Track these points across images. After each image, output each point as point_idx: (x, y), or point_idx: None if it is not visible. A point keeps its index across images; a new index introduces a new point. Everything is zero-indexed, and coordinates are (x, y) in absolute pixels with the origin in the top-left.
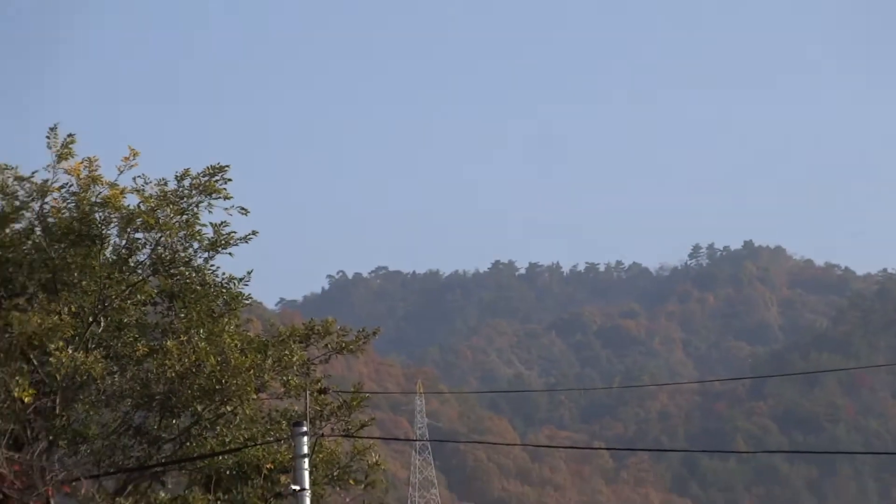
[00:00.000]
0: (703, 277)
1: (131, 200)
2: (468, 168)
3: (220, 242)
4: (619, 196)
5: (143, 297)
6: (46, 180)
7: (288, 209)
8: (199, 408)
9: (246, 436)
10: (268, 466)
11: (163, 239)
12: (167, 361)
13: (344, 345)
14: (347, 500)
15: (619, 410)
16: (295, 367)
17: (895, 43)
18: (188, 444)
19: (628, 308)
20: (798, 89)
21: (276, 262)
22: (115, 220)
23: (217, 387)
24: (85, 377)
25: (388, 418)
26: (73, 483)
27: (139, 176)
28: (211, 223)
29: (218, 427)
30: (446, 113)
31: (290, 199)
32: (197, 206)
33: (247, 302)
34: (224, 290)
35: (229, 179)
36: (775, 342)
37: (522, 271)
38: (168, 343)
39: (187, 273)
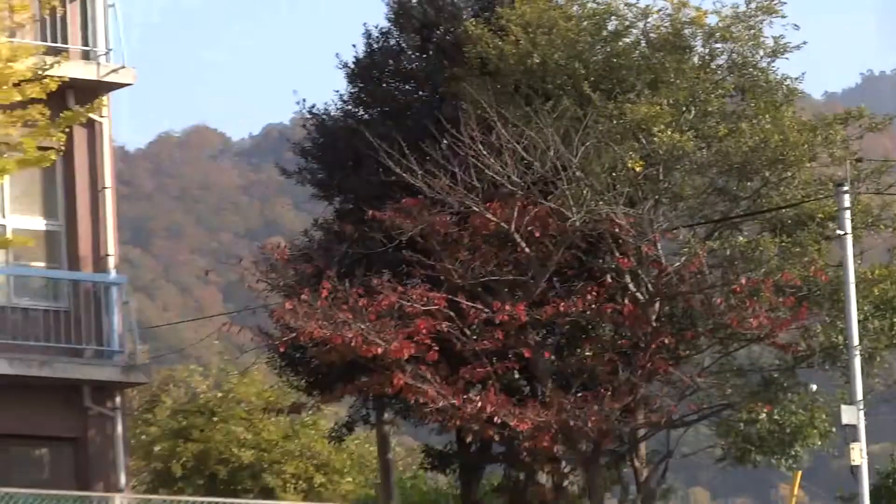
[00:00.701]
0: None
1: (711, 20)
2: None
3: (778, 50)
4: None
5: (722, 92)
6: (648, 5)
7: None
8: (767, 174)
9: (802, 194)
10: (819, 216)
11: (735, 48)
12: (741, 139)
13: (873, 125)
14: (878, 240)
15: None
16: (837, 143)
17: None
18: (759, 200)
19: None
20: None
21: (821, 61)
22: (699, 34)
23: (780, 157)
24: (680, 152)
25: None
26: (673, 231)
27: (716, 1)
28: (772, 36)
29: (781, 188)
30: None
31: None
32: (761, 22)
33: (800, 95)
34: (783, 86)
35: (784, 3)
36: None
37: None
38: (742, 125)
39: (755, 73)
